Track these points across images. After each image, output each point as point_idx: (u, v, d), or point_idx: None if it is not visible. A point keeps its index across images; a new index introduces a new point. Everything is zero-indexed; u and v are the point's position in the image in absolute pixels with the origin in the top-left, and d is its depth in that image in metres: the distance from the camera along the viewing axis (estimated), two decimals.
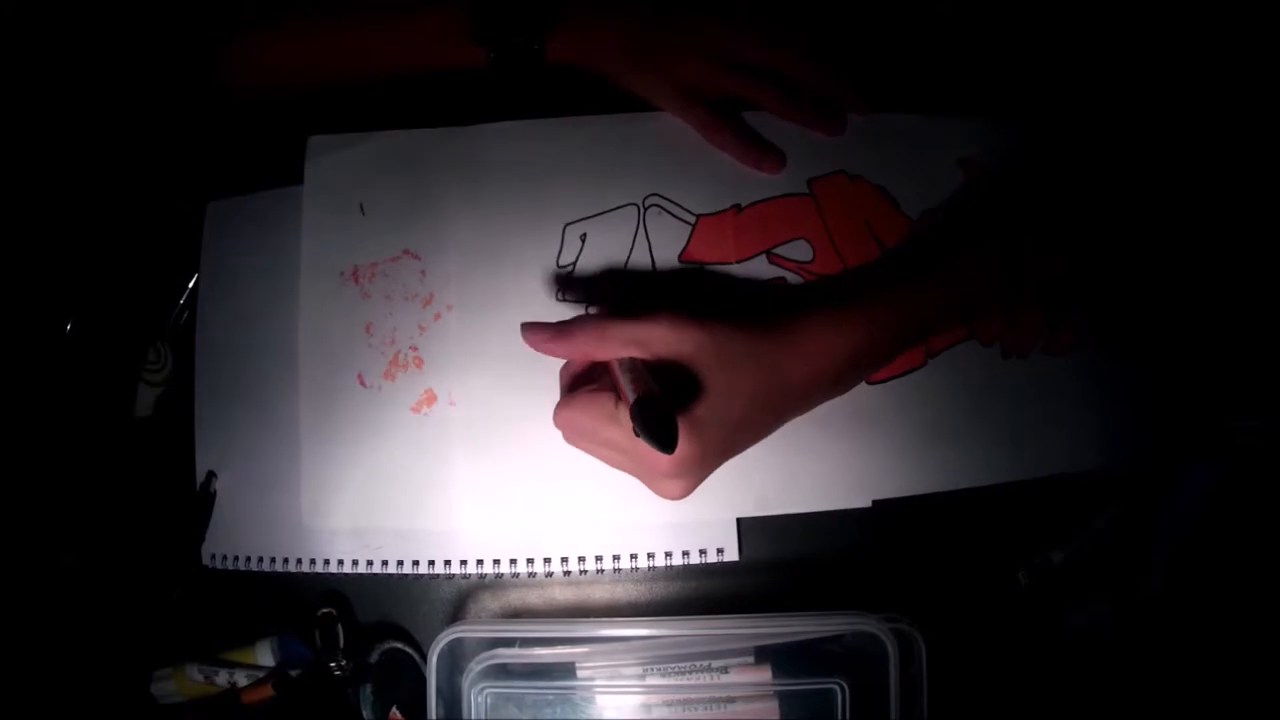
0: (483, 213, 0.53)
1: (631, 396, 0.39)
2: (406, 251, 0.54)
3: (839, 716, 0.49)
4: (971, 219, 0.51)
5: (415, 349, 0.53)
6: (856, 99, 0.53)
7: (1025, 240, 0.47)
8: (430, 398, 0.52)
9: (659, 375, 0.41)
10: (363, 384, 0.53)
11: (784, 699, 0.50)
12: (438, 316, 0.53)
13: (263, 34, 0.54)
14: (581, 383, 0.46)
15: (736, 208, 0.53)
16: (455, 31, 0.52)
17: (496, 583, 0.52)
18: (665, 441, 0.37)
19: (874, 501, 0.50)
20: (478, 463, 0.51)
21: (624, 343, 0.42)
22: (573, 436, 0.45)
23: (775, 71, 0.53)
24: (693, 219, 0.53)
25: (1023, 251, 0.46)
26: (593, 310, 0.52)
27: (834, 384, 0.45)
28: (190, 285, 0.56)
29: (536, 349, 0.46)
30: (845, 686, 0.49)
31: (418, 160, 0.54)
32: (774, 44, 0.53)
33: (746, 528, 0.51)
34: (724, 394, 0.41)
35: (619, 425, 0.41)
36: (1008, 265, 0.46)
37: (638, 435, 0.37)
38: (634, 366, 0.41)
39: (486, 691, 0.50)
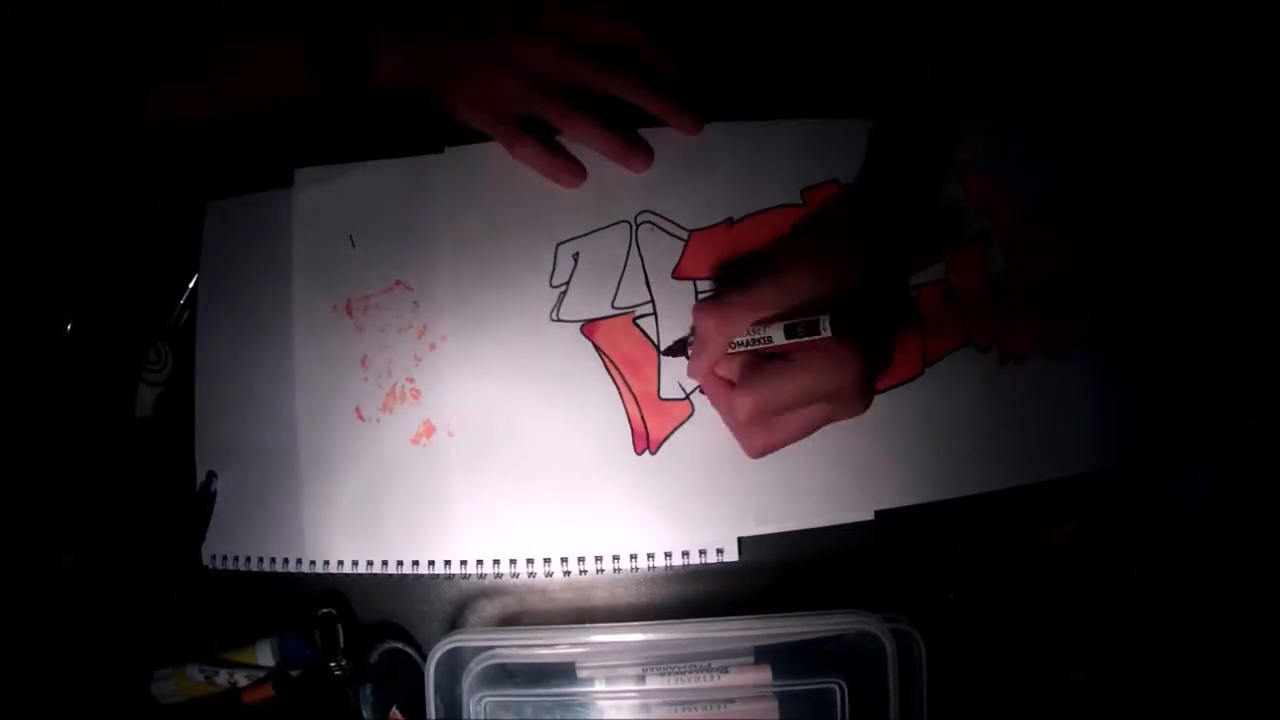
0: (473, 237, 0.53)
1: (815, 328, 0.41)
2: (399, 282, 0.53)
3: (839, 717, 0.49)
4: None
5: (412, 380, 0.52)
6: (689, 120, 0.52)
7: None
8: (429, 429, 0.52)
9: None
10: (361, 418, 0.53)
11: (784, 699, 0.50)
12: (433, 347, 0.53)
13: (157, 81, 0.53)
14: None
15: (729, 221, 0.52)
16: (291, 62, 0.51)
17: (496, 583, 0.52)
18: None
19: (876, 513, 0.50)
20: (480, 493, 0.51)
21: (756, 307, 0.43)
22: (769, 424, 0.45)
23: (623, 54, 0.52)
24: (685, 234, 0.52)
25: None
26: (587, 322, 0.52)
27: None
28: (190, 285, 0.56)
29: (702, 371, 0.47)
30: (845, 686, 0.49)
31: (406, 188, 0.54)
32: (616, 19, 0.51)
33: None
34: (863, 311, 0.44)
35: (815, 376, 0.42)
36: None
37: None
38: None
39: (484, 695, 0.50)
